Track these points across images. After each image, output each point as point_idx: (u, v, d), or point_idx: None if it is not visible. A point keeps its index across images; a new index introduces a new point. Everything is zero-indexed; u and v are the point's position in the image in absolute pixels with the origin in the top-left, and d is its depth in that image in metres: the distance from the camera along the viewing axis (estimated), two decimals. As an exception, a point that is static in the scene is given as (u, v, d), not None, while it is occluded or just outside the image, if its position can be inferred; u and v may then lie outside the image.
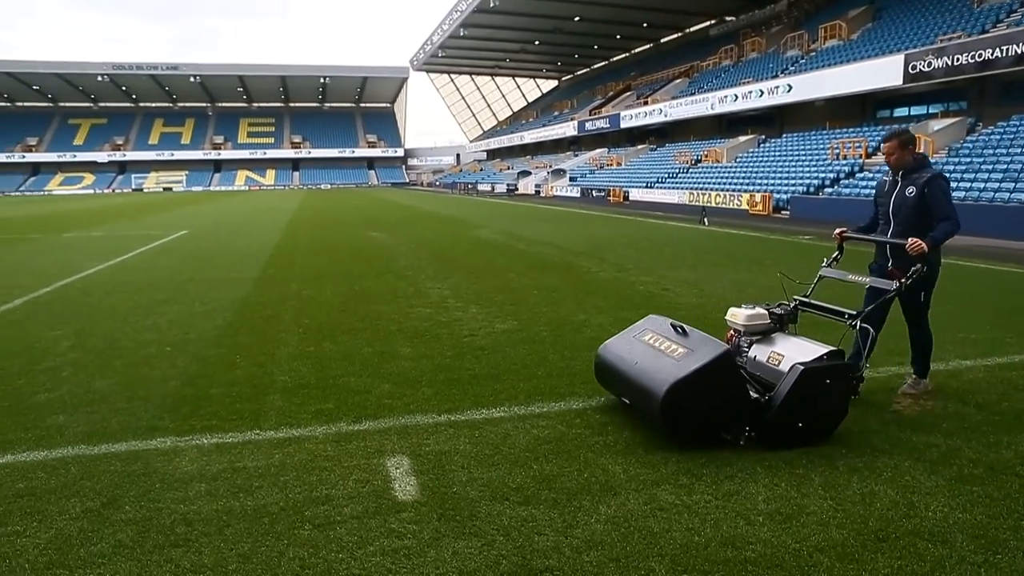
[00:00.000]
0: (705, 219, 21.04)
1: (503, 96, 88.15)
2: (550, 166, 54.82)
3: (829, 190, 23.91)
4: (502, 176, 62.03)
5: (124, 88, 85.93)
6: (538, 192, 49.36)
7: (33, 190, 79.43)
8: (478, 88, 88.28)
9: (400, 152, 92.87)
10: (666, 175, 36.51)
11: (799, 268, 10.38)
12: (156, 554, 2.99)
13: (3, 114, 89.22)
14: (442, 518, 3.23)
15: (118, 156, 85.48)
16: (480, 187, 60.66)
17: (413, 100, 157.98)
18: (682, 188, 32.08)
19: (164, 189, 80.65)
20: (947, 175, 5.21)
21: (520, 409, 4.66)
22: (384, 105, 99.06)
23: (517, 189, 53.39)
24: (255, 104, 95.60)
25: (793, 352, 4.26)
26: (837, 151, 26.09)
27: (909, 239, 4.45)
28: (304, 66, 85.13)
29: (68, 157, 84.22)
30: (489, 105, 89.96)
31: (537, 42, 60.94)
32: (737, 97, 34.49)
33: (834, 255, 5.03)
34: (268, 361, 5.86)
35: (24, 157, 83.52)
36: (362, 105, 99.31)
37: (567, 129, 57.00)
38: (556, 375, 5.38)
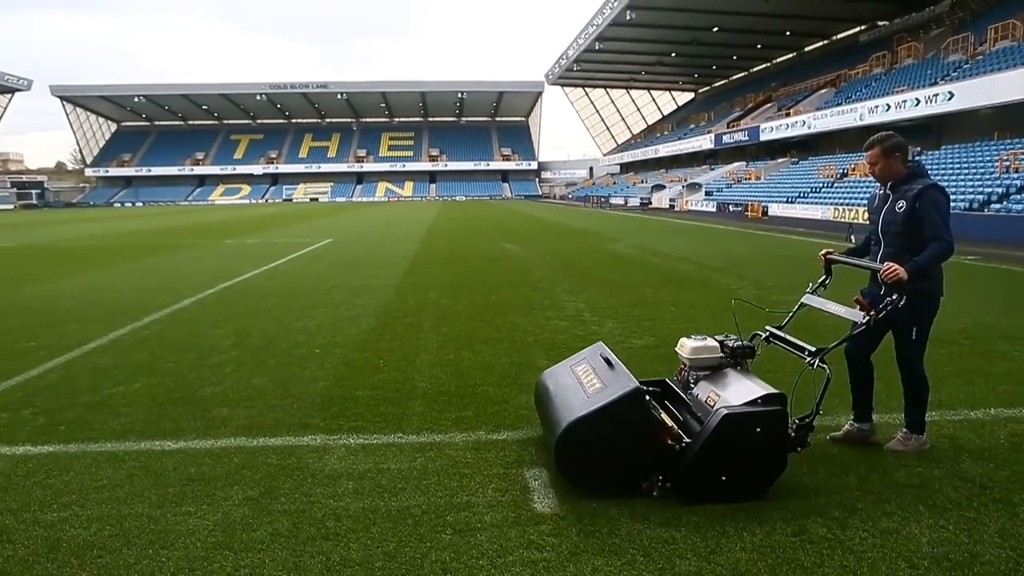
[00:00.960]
0: (852, 236, 19.90)
1: (638, 109, 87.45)
2: (685, 180, 53.77)
3: (996, 206, 22.00)
4: (635, 190, 61.46)
5: (279, 106, 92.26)
6: (672, 206, 48.53)
7: (199, 200, 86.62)
8: (612, 101, 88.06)
9: (534, 165, 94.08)
10: (808, 190, 34.89)
11: (962, 292, 9.61)
12: (309, 545, 3.16)
13: (177, 131, 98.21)
14: (581, 533, 3.21)
15: (272, 169, 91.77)
16: (613, 200, 60.42)
17: (547, 114, 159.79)
18: (826, 203, 30.55)
19: (311, 200, 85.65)
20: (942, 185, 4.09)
21: (658, 427, 4.56)
22: (519, 119, 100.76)
23: (651, 203, 52.71)
24: (396, 119, 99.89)
25: (731, 393, 3.74)
26: (1007, 163, 23.95)
27: (885, 264, 3.85)
28: (443, 82, 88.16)
29: (229, 170, 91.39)
30: (623, 118, 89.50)
31: (674, 54, 60.08)
32: (890, 107, 32.47)
33: (821, 280, 4.32)
34: (409, 367, 6.07)
35: (192, 170, 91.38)
36: (497, 119, 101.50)
37: (703, 142, 55.75)
38: (695, 394, 5.23)
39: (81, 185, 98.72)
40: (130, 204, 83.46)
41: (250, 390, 5.45)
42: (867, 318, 3.82)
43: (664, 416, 3.77)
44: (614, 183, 75.07)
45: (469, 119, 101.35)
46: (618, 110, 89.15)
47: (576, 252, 16.56)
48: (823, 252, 4.40)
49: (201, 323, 8.13)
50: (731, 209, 38.87)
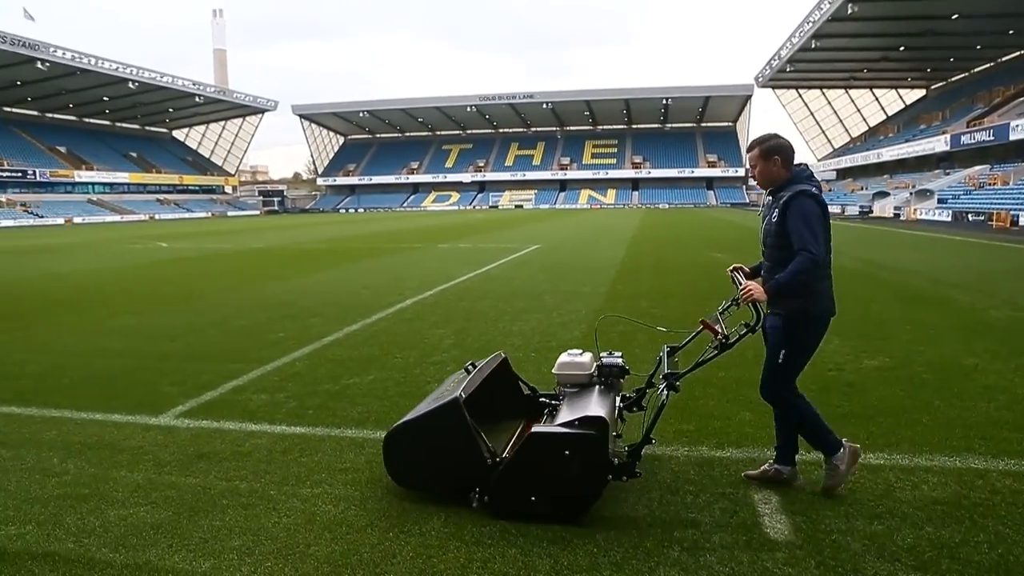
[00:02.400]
0: None
1: (857, 110, 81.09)
2: (913, 186, 49.03)
3: None
4: (854, 197, 57.04)
5: (487, 116, 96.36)
6: (897, 215, 44.42)
7: (412, 206, 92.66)
8: (829, 103, 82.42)
9: (740, 172, 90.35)
10: (1071, 196, 30.40)
11: None
12: (536, 546, 3.21)
13: (395, 143, 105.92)
14: (821, 567, 2.99)
15: (479, 177, 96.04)
16: (829, 209, 56.40)
17: (756, 118, 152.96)
18: (1095, 212, 26.43)
19: (516, 206, 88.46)
20: (815, 193, 3.53)
21: (903, 459, 4.16)
22: (726, 124, 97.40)
23: (871, 211, 48.66)
24: (600, 127, 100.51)
25: (568, 412, 3.57)
26: None
27: (743, 284, 3.49)
28: (647, 88, 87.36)
29: (440, 178, 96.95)
30: (841, 120, 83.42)
31: (902, 48, 54.99)
32: None
33: (731, 300, 3.81)
34: (624, 375, 6.02)
35: (407, 178, 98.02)
36: (703, 125, 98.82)
37: (936, 144, 50.50)
38: (945, 425, 4.71)
39: (313, 193, 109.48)
40: (353, 210, 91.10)
41: (472, 389, 5.68)
42: (717, 344, 3.59)
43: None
44: (830, 190, 70.12)
45: (673, 125, 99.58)
46: (835, 112, 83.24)
47: (791, 263, 15.62)
48: (730, 268, 3.93)
49: (423, 322, 8.64)
50: (970, 218, 34.83)
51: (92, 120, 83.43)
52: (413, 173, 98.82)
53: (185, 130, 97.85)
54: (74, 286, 12.92)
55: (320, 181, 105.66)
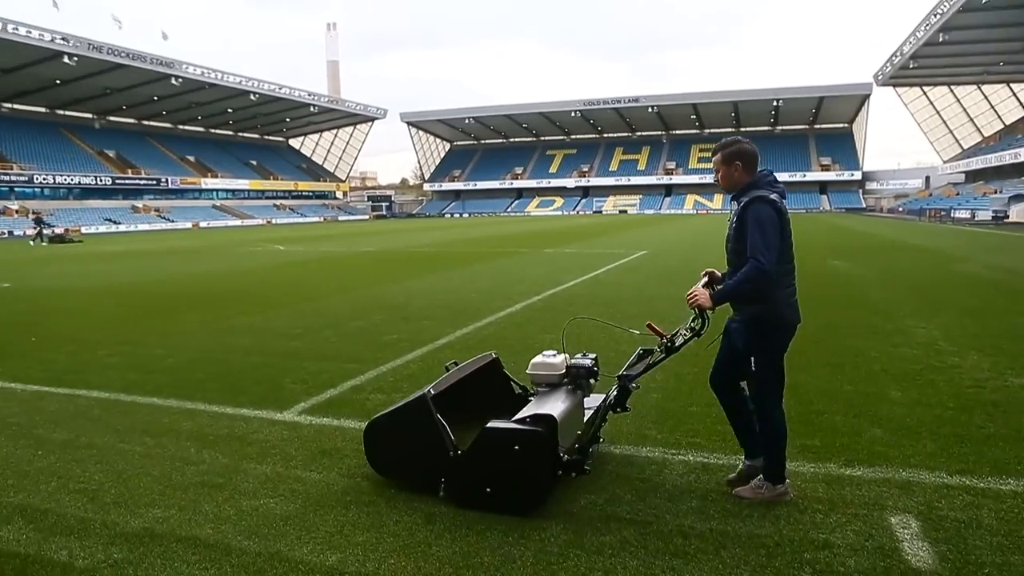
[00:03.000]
0: None
1: (991, 107, 75.63)
2: (1055, 189, 45.25)
3: None
4: (985, 202, 53.20)
5: (591, 121, 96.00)
6: (1036, 220, 41.13)
7: (516, 211, 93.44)
8: (957, 100, 77.33)
9: (857, 175, 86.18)
10: None
11: None
12: (658, 559, 3.14)
13: (499, 149, 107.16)
14: (974, 601, 2.77)
15: (583, 182, 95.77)
16: (956, 214, 52.87)
17: (875, 118, 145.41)
18: None
19: (620, 211, 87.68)
20: (772, 199, 3.47)
21: (1061, 487, 3.81)
22: (841, 125, 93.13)
23: (1007, 216, 45.25)
24: (706, 130, 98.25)
25: (530, 410, 3.75)
26: None
27: (691, 289, 3.61)
28: (756, 90, 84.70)
29: (544, 183, 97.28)
30: (972, 119, 78.06)
31: (1046, 40, 50.97)
32: None
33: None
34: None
35: (512, 184, 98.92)
36: (816, 126, 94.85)
37: (1083, 143, 46.43)
38: (1109, 451, 4.29)
39: (420, 198, 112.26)
40: (458, 215, 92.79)
41: (585, 395, 5.63)
42: (661, 348, 3.75)
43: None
44: (957, 194, 65.83)
45: (784, 127, 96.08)
46: (964, 110, 77.99)
47: (917, 271, 14.73)
48: (702, 272, 4.02)
49: (533, 327, 8.66)
50: (1123, 224, 31.80)
51: (217, 131, 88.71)
52: (517, 178, 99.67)
53: (300, 139, 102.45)
54: (202, 286, 13.74)
55: (426, 186, 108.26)
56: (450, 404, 4.02)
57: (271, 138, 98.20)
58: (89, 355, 7.58)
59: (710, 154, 4.01)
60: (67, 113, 71.07)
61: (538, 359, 4.21)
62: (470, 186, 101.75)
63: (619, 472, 4.12)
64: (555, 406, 3.82)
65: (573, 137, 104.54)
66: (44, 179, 60.90)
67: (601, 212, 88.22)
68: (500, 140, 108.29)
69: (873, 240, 26.30)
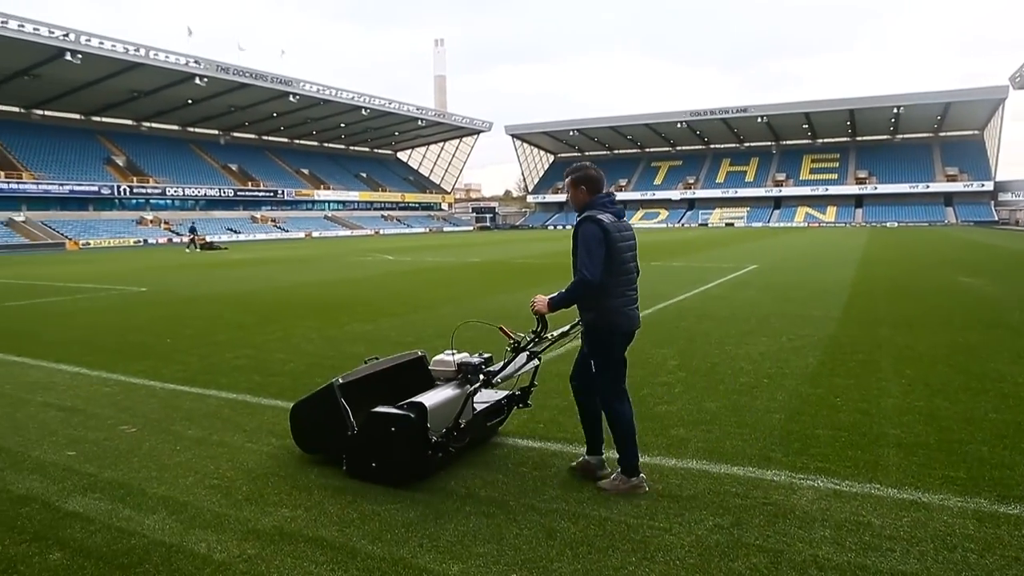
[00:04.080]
0: None
1: None
2: None
3: None
4: None
5: (698, 132, 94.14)
6: None
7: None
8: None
9: (988, 186, 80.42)
10: None
11: None
12: (792, 591, 2.98)
13: (603, 160, 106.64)
14: None
15: (689, 194, 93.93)
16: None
17: (1010, 124, 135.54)
18: None
19: (726, 224, 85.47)
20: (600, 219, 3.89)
21: None
22: (970, 133, 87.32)
23: None
24: (819, 140, 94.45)
25: (417, 400, 4.25)
26: None
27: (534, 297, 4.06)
28: (875, 97, 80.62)
29: (648, 195, 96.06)
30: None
31: None
32: None
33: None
34: (873, 409, 5.50)
35: (615, 196, 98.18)
36: (941, 134, 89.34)
37: None
38: None
39: (523, 210, 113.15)
40: (561, 227, 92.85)
41: (703, 414, 5.47)
42: (512, 346, 4.23)
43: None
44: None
45: (905, 136, 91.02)
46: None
47: (1063, 291, 13.56)
48: None
49: (644, 341, 8.48)
50: None
51: (330, 145, 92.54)
52: (621, 190, 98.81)
53: (408, 151, 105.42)
54: (317, 294, 14.28)
55: (530, 198, 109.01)
56: (367, 393, 4.64)
57: (380, 151, 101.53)
58: (218, 357, 8.00)
59: (564, 175, 4.37)
60: (196, 130, 76.01)
61: (438, 358, 4.76)
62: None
63: (745, 494, 3.95)
64: (434, 397, 4.39)
65: (679, 148, 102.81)
66: (175, 191, 65.23)
67: (707, 225, 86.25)
68: (604, 152, 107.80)
69: (1011, 257, 24.44)
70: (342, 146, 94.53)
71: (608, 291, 3.91)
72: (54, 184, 56.14)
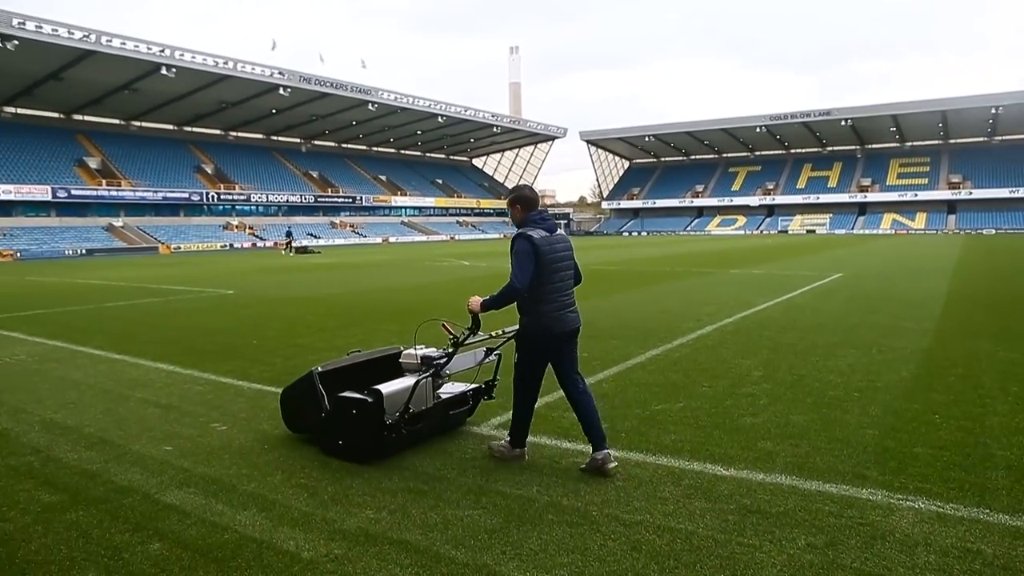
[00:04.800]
0: None
1: None
2: None
3: None
4: None
5: (778, 137, 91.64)
6: None
7: (696, 230, 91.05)
8: None
9: (1097, 190, 75.38)
10: None
11: None
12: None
13: (679, 166, 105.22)
14: None
15: (768, 200, 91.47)
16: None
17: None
18: None
19: (807, 231, 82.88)
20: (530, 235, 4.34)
21: None
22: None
23: None
24: (908, 143, 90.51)
25: (376, 387, 4.79)
26: None
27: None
28: (971, 97, 76.54)
29: (726, 201, 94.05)
30: None
31: None
32: None
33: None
34: (977, 428, 5.19)
35: (692, 202, 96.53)
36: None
37: None
38: None
39: (597, 216, 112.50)
40: (636, 233, 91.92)
41: (791, 427, 5.29)
42: (452, 340, 4.72)
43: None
44: None
45: (1004, 138, 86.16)
46: None
47: None
48: None
49: (726, 351, 8.30)
50: None
51: (407, 152, 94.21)
52: (698, 196, 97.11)
53: (483, 158, 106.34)
54: (396, 298, 14.53)
55: (605, 204, 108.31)
56: (344, 380, 5.16)
57: (456, 158, 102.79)
58: (301, 359, 8.20)
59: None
60: (279, 139, 78.69)
61: (406, 351, 5.22)
62: (649, 204, 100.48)
63: (839, 513, 3.79)
64: (392, 385, 4.91)
65: (757, 153, 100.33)
66: (259, 198, 67.65)
67: (787, 232, 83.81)
68: (680, 157, 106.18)
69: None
70: (419, 153, 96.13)
71: (541, 298, 4.43)
72: (149, 191, 59.05)
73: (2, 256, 45.41)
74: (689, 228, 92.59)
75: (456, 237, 79.38)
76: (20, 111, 59.44)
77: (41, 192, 52.52)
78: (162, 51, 50.42)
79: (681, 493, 4.13)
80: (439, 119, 76.14)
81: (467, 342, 4.74)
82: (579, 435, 5.14)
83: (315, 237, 65.22)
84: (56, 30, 44.98)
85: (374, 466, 4.65)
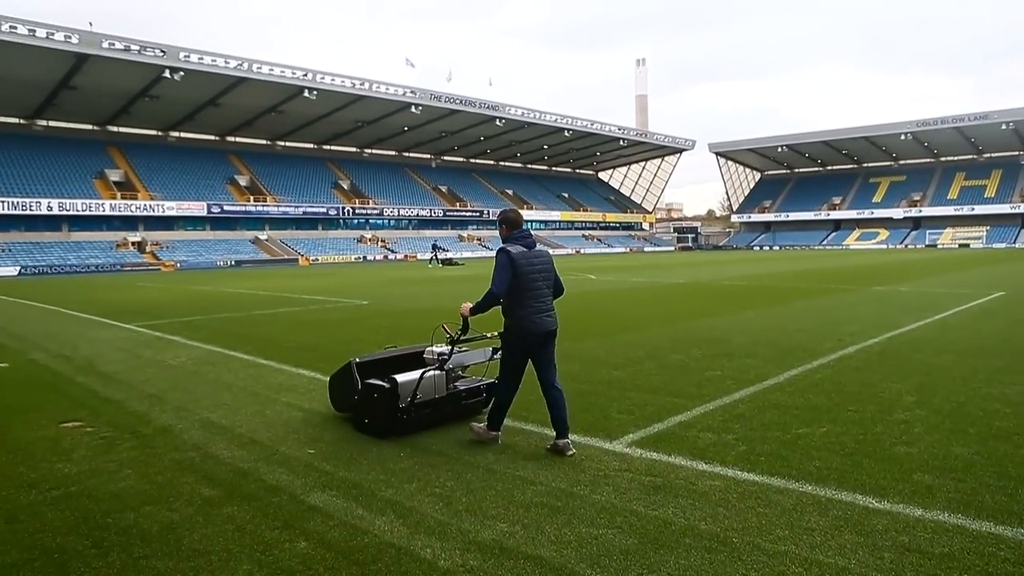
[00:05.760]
0: None
1: None
2: None
3: None
4: None
5: (926, 144, 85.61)
6: None
7: (832, 244, 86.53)
8: None
9: None
10: None
11: None
12: None
13: (815, 177, 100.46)
14: None
15: (913, 212, 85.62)
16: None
17: None
18: None
19: (959, 245, 76.87)
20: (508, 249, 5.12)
21: None
22: None
23: None
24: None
25: (395, 376, 5.79)
26: None
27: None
28: None
29: (866, 214, 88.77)
30: None
31: None
32: None
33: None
34: None
35: (828, 215, 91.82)
36: None
37: None
38: None
39: (727, 230, 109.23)
40: (767, 247, 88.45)
41: (952, 459, 4.86)
42: (447, 341, 5.68)
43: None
44: None
45: None
46: None
47: None
48: None
49: (873, 373, 7.77)
50: None
51: (534, 166, 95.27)
52: (835, 209, 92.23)
53: (609, 171, 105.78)
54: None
55: (734, 218, 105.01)
56: (376, 370, 6.05)
57: (582, 171, 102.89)
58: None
59: None
60: (410, 155, 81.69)
61: (429, 349, 5.91)
62: (781, 217, 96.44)
63: (1018, 560, 3.43)
64: (409, 376, 5.78)
65: (902, 163, 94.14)
66: (391, 212, 70.44)
67: (936, 246, 78.06)
68: (816, 168, 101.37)
69: None
70: (545, 167, 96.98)
71: (520, 303, 5.12)
72: (291, 206, 62.84)
73: (165, 266, 49.70)
74: (825, 242, 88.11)
75: (582, 251, 79.31)
76: (183, 135, 65.02)
77: (198, 208, 57.14)
78: (305, 75, 53.67)
79: (828, 524, 3.88)
80: (565, 133, 76.57)
81: (461, 339, 5.52)
82: (716, 457, 5.01)
83: (443, 250, 67.07)
84: (215, 60, 48.95)
85: (507, 479, 4.67)
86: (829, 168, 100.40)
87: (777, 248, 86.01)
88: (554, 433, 5.27)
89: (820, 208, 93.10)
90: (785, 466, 4.80)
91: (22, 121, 56.63)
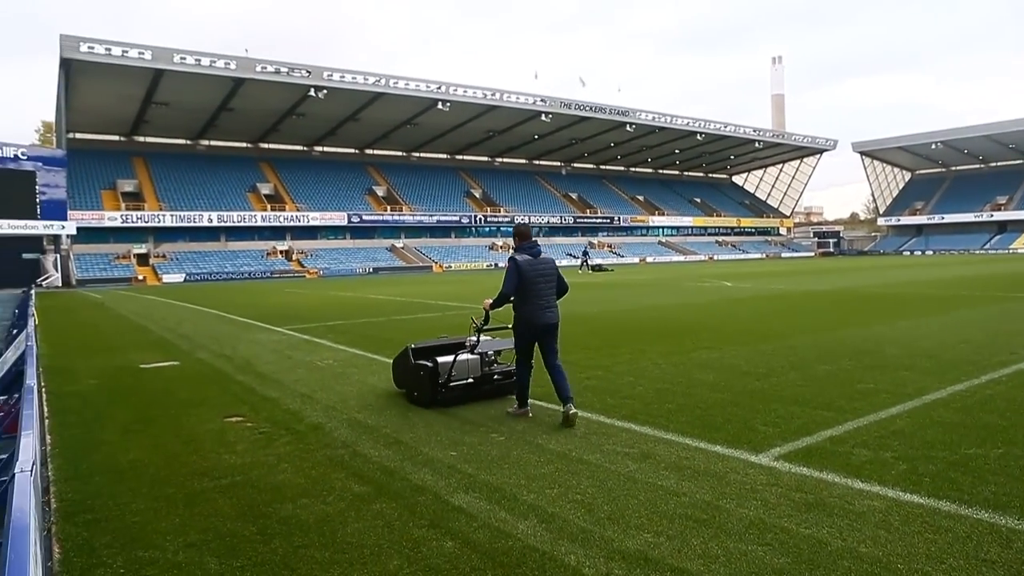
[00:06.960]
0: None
1: None
2: None
3: None
4: None
5: (1111, 136, 76.93)
6: None
7: (996, 248, 79.42)
8: None
9: None
10: None
11: None
12: None
13: (975, 176, 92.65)
14: None
15: (1094, 212, 77.08)
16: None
17: None
18: None
19: None
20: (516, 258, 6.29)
21: None
22: None
23: None
24: None
25: (436, 358, 7.09)
26: None
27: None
28: None
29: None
30: None
31: None
32: None
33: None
34: None
35: (991, 216, 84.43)
36: None
37: None
38: None
39: (872, 234, 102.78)
40: (919, 252, 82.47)
41: None
42: (472, 331, 7.11)
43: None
44: None
45: None
46: None
47: None
48: None
49: (1053, 390, 7.04)
50: None
51: (664, 171, 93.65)
52: (999, 209, 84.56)
53: (744, 175, 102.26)
54: (659, 318, 14.37)
55: (881, 221, 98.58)
56: (429, 353, 7.18)
57: (715, 175, 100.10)
58: (571, 377, 8.38)
59: None
60: (540, 163, 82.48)
61: (469, 338, 7.19)
62: (935, 219, 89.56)
63: None
64: (448, 358, 6.99)
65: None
66: (522, 219, 71.30)
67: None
68: (977, 165, 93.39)
69: None
70: (676, 172, 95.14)
71: (525, 301, 6.26)
72: (425, 215, 65.09)
73: (310, 273, 52.79)
74: (987, 246, 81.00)
75: (715, 257, 77.16)
76: (326, 149, 68.91)
77: (339, 218, 60.36)
78: (439, 88, 55.48)
79: (1013, 558, 3.54)
80: (698, 136, 74.80)
81: (484, 328, 6.85)
82: (873, 475, 4.71)
83: (573, 257, 67.14)
84: (355, 77, 51.60)
85: (649, 489, 4.59)
86: (992, 165, 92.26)
87: (931, 253, 80.00)
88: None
89: (982, 209, 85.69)
90: (955, 489, 4.43)
91: (187, 142, 62.15)
